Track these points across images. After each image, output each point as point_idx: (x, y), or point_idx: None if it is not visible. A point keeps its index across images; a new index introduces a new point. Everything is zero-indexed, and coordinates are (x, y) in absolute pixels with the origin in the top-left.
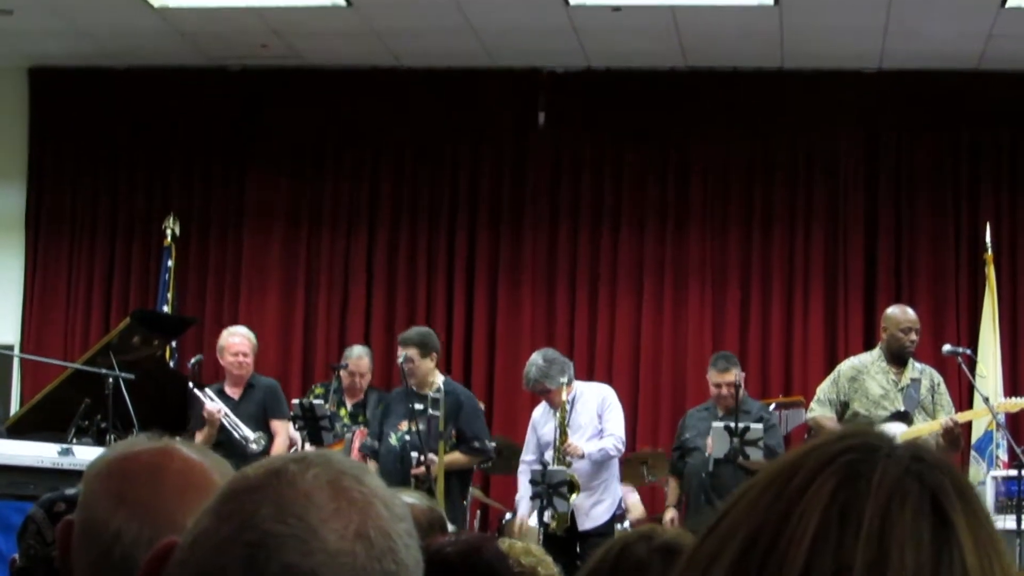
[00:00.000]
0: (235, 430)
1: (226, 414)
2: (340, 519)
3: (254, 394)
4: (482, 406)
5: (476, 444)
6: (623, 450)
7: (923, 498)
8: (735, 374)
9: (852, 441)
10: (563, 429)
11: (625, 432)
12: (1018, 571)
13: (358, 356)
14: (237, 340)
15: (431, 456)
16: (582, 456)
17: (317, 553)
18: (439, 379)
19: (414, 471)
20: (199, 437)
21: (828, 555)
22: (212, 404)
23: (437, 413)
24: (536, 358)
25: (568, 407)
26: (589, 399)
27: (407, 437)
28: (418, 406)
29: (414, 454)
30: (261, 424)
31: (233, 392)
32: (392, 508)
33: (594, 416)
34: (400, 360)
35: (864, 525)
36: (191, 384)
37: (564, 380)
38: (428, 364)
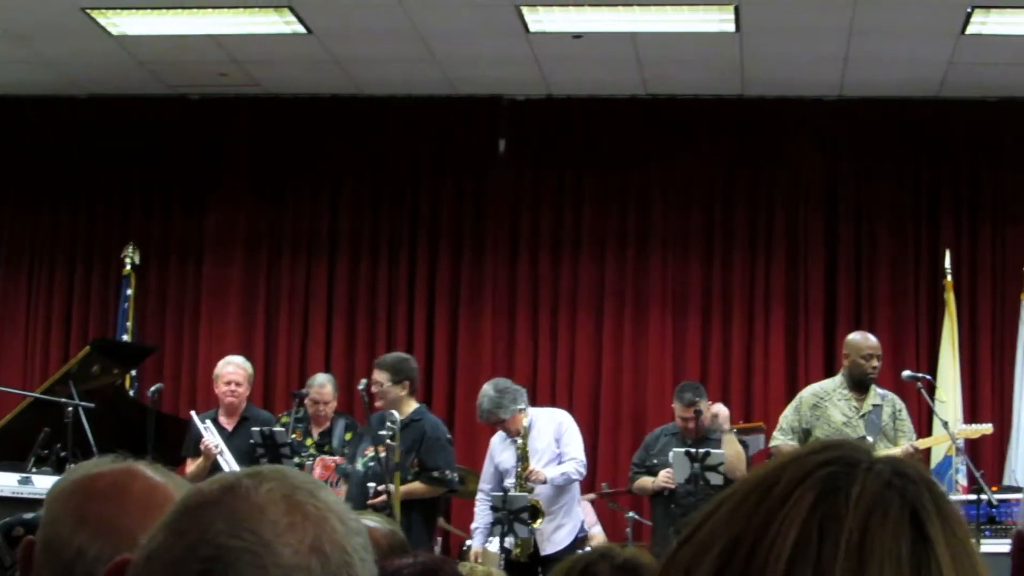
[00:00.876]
0: (227, 467)
1: (221, 451)
2: (295, 533)
3: (249, 427)
4: (449, 436)
5: (435, 474)
6: (584, 473)
7: (903, 513)
8: (702, 405)
9: (832, 454)
10: (524, 455)
11: (586, 458)
12: None
13: (320, 384)
14: (231, 369)
15: (389, 486)
16: (544, 482)
17: (272, 568)
18: (412, 407)
19: (371, 501)
20: (191, 466)
21: (808, 568)
22: (210, 438)
23: (395, 443)
24: (487, 389)
25: (526, 433)
26: (545, 425)
27: (371, 464)
28: (384, 432)
29: (371, 485)
30: (256, 461)
31: (227, 422)
32: (347, 523)
33: (551, 441)
34: (360, 387)
35: (843, 539)
36: (193, 412)
37: (518, 408)
38: (399, 391)
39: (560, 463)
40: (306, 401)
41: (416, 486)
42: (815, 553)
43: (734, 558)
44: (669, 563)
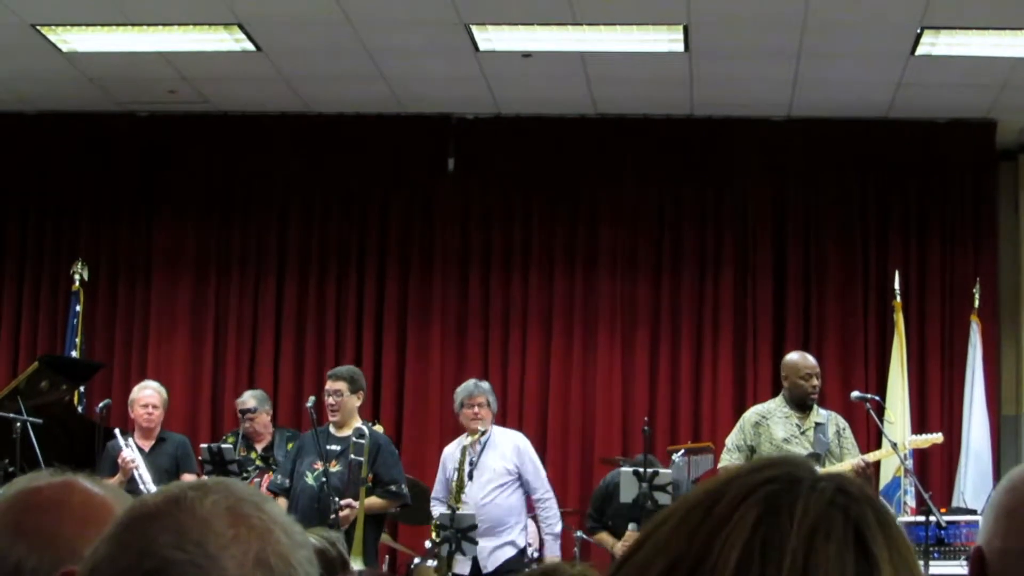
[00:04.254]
0: (142, 483)
1: (137, 467)
2: (239, 545)
3: (166, 447)
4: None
5: (393, 488)
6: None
7: (847, 531)
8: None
9: (775, 471)
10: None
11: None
12: None
13: (243, 401)
14: (148, 393)
15: (350, 501)
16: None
17: None
18: (358, 422)
19: (343, 514)
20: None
21: None
22: (128, 452)
23: (360, 457)
24: (476, 381)
25: (479, 448)
26: (503, 445)
27: (324, 478)
28: (333, 447)
29: (335, 499)
30: (174, 477)
31: (144, 444)
32: (292, 535)
33: (505, 465)
34: (309, 404)
35: (787, 559)
36: (116, 430)
37: (495, 406)
38: (355, 402)
39: (519, 487)
40: (244, 423)
41: (374, 500)
42: (758, 574)
43: None
44: None
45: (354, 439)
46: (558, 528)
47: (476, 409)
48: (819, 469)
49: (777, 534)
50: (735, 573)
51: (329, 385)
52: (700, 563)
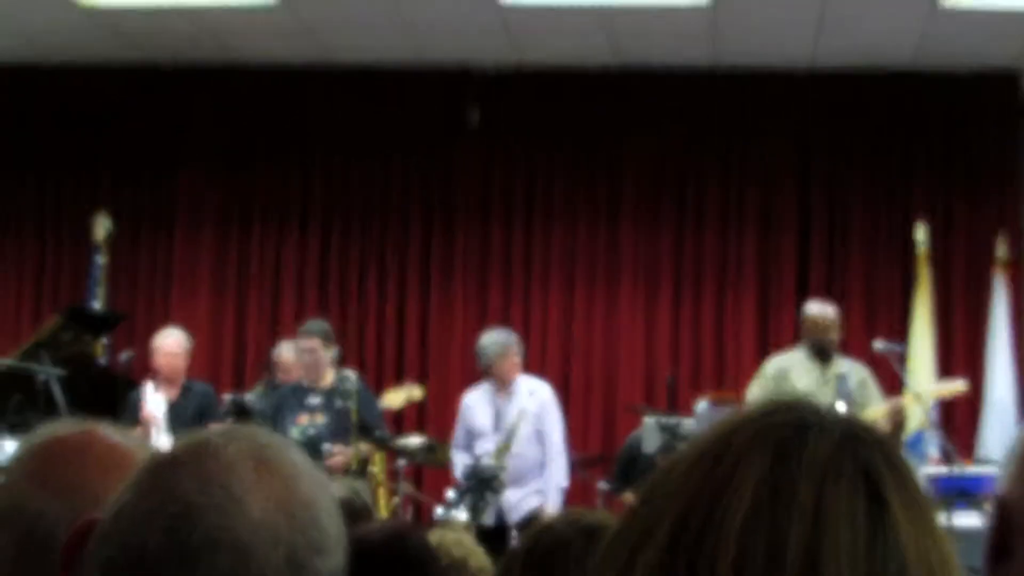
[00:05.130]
0: (156, 438)
1: (157, 423)
2: (263, 490)
3: (191, 398)
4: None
5: (378, 433)
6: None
7: (856, 475)
8: None
9: (783, 416)
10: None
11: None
12: (951, 544)
13: (282, 351)
14: (170, 341)
15: (342, 448)
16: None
17: (239, 523)
18: (332, 373)
19: (334, 461)
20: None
21: (761, 536)
22: (153, 408)
23: (350, 404)
24: (501, 332)
25: (508, 399)
26: (528, 393)
27: (311, 431)
28: (313, 399)
29: (327, 446)
30: (199, 427)
31: (168, 393)
32: (316, 481)
33: (533, 417)
34: (273, 352)
35: (797, 504)
36: (149, 383)
37: (516, 357)
38: (328, 355)
39: (538, 439)
40: (278, 373)
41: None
42: (769, 521)
43: (686, 529)
44: (618, 533)
45: (342, 387)
46: (564, 482)
47: (509, 362)
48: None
49: (787, 481)
50: (745, 522)
51: (303, 343)
52: (712, 510)
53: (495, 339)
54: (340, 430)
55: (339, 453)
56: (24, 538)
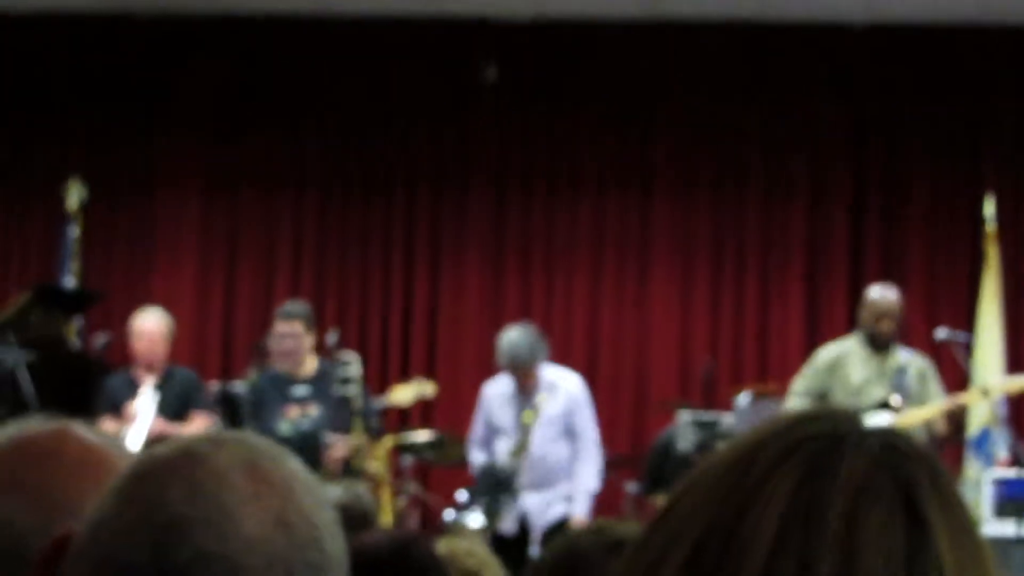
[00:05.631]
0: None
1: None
2: (258, 503)
3: (173, 385)
4: None
5: (373, 422)
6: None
7: (895, 494)
8: None
9: (817, 428)
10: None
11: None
12: (998, 572)
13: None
14: (149, 322)
15: (344, 438)
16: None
17: (232, 539)
18: (315, 359)
19: (335, 455)
20: (108, 426)
21: (790, 560)
22: (142, 408)
23: (353, 391)
24: (518, 335)
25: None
26: (556, 389)
27: (306, 425)
28: (299, 390)
29: (330, 436)
30: (182, 416)
31: (147, 379)
32: (315, 494)
33: (558, 413)
34: (266, 340)
35: (830, 526)
36: (148, 386)
37: (545, 357)
38: (310, 341)
39: (567, 438)
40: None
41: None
42: (799, 544)
43: (708, 549)
44: (637, 550)
45: (343, 374)
46: (596, 486)
47: (519, 376)
48: (890, 418)
49: (819, 500)
50: (773, 544)
51: (283, 327)
52: (735, 531)
53: (528, 341)
54: (339, 420)
55: (339, 445)
56: None
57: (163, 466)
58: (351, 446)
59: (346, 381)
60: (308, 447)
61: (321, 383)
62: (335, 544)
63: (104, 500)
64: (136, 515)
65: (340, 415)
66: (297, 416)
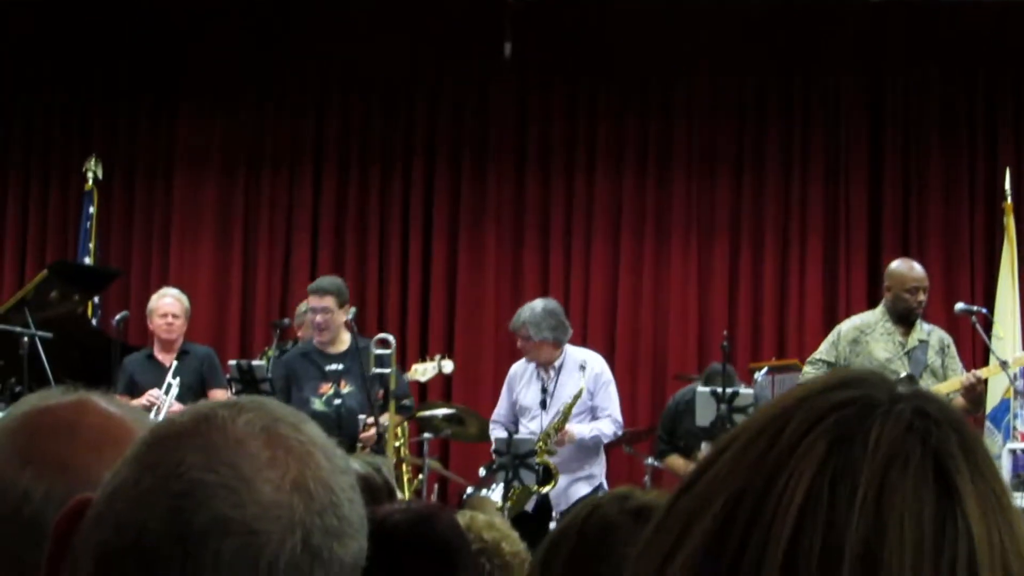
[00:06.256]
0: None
1: (158, 407)
2: (276, 468)
3: (189, 362)
4: None
5: (406, 403)
6: (620, 434)
7: (925, 462)
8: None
9: (848, 393)
10: (566, 414)
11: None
12: None
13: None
14: (167, 301)
15: (378, 420)
16: (574, 441)
17: (250, 505)
18: (348, 336)
19: (367, 434)
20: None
21: (818, 527)
22: (158, 394)
23: (385, 370)
24: (536, 303)
25: (554, 374)
26: (578, 369)
27: (337, 400)
28: (335, 366)
29: (361, 416)
30: (199, 395)
31: (164, 358)
32: (333, 459)
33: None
34: (350, 316)
35: (859, 493)
36: (171, 379)
37: (550, 337)
38: (343, 317)
39: (591, 418)
40: (300, 332)
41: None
42: (827, 511)
43: (737, 514)
44: (666, 515)
45: (376, 351)
46: (591, 440)
47: (520, 343)
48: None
49: (849, 466)
50: (801, 510)
51: (314, 302)
52: (764, 498)
53: (559, 319)
54: (370, 398)
55: (372, 425)
56: (9, 520)
57: (180, 432)
58: (382, 428)
59: (384, 361)
60: (341, 424)
61: (354, 360)
62: (353, 509)
63: (121, 466)
64: (153, 481)
65: (370, 393)
66: (330, 392)
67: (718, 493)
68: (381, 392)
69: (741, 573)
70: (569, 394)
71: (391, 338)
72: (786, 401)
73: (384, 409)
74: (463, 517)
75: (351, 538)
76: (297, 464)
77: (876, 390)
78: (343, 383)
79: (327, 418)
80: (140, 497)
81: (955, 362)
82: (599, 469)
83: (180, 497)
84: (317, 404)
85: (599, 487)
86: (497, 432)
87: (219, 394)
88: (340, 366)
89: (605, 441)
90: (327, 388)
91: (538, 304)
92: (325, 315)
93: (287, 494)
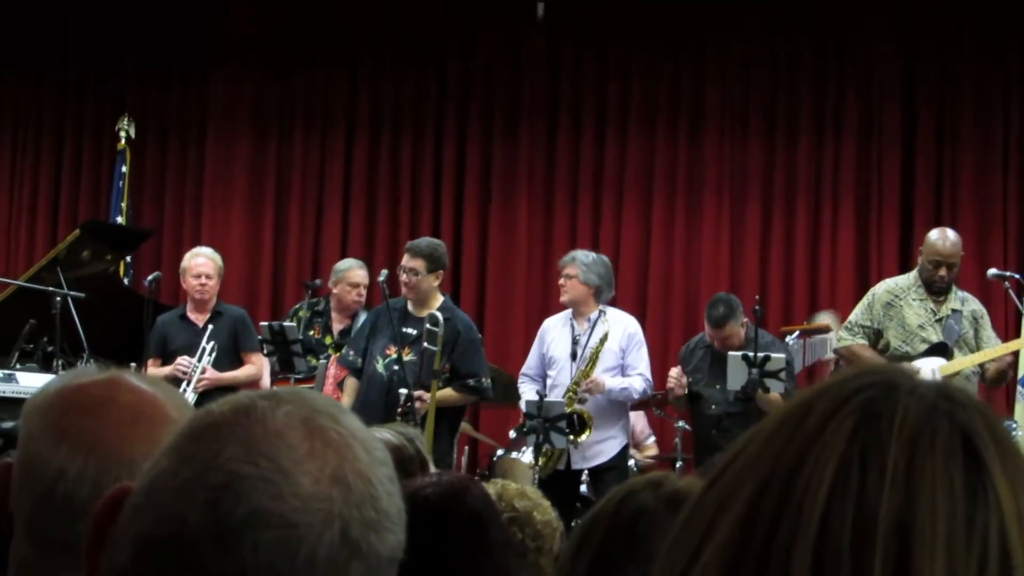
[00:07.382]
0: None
1: (188, 377)
2: (315, 461)
3: (223, 323)
4: (480, 337)
5: (471, 382)
6: (650, 393)
7: (953, 438)
8: (734, 329)
9: (870, 379)
10: (594, 357)
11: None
12: None
13: (348, 268)
14: (201, 261)
15: (422, 394)
16: (603, 391)
17: (289, 497)
18: (439, 301)
19: (401, 409)
20: (153, 368)
21: (849, 502)
22: (189, 362)
23: (434, 347)
24: (592, 252)
25: (588, 329)
26: (613, 327)
27: (395, 367)
28: (409, 330)
29: (403, 391)
30: (232, 356)
31: (197, 318)
32: (372, 452)
33: (615, 350)
34: (381, 278)
35: (888, 468)
36: (205, 346)
37: (594, 281)
38: (432, 281)
39: (622, 375)
40: (335, 289)
41: (448, 393)
42: (857, 485)
43: (766, 498)
44: (695, 509)
45: (428, 326)
46: (620, 393)
47: (561, 280)
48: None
49: (876, 443)
50: (832, 487)
51: (405, 261)
52: (793, 478)
53: (609, 274)
54: (423, 374)
55: (418, 399)
56: (43, 497)
57: (220, 424)
58: (424, 405)
59: (431, 337)
60: (391, 391)
61: (425, 333)
62: (392, 502)
63: (160, 457)
64: (192, 473)
65: (426, 368)
66: (393, 356)
67: (749, 476)
68: (447, 365)
69: (773, 554)
70: (605, 347)
71: (440, 316)
72: (809, 391)
73: (426, 385)
74: (494, 486)
75: (389, 531)
76: (336, 456)
77: (897, 376)
78: (407, 350)
79: (381, 381)
80: (179, 488)
81: (988, 331)
82: (624, 431)
83: (219, 489)
84: (379, 365)
85: (626, 447)
86: (527, 387)
87: (252, 357)
88: (415, 332)
89: (635, 397)
90: (392, 351)
91: (594, 253)
92: (411, 276)
93: (326, 486)
